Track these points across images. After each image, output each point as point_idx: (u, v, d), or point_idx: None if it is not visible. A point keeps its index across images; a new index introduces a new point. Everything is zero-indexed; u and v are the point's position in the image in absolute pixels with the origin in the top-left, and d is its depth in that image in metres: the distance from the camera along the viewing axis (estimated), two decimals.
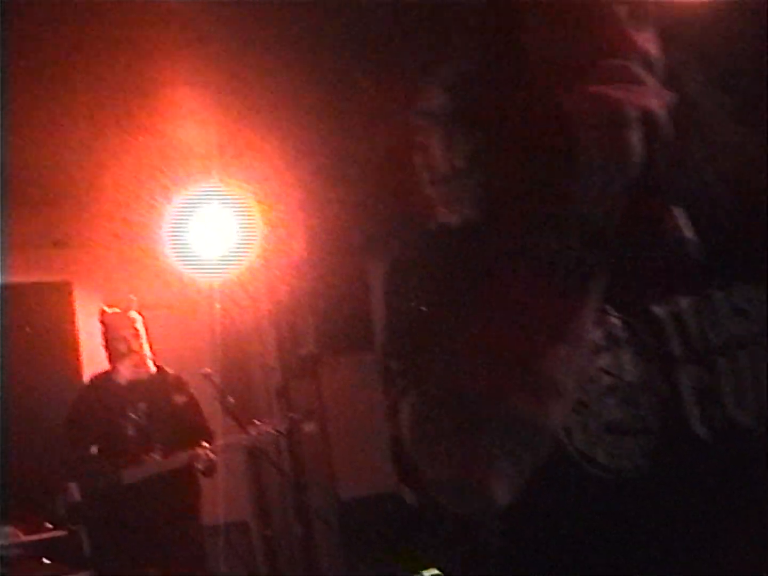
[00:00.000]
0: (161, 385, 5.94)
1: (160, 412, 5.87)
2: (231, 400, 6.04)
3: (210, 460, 5.72)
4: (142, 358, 5.91)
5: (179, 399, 5.91)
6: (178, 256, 6.18)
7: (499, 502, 1.42)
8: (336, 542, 7.52)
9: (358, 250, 7.80)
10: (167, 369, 6.05)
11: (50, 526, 5.94)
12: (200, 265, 6.21)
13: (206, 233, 6.12)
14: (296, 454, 7.39)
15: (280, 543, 7.32)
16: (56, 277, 6.99)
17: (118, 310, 5.90)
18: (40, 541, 5.85)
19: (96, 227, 6.13)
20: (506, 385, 1.36)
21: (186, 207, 6.13)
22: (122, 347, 5.84)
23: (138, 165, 5.76)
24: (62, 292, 6.99)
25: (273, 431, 5.98)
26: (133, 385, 5.91)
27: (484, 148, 1.56)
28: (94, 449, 5.86)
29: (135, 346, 5.86)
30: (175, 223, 6.11)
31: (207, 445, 5.72)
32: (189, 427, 5.90)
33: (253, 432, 5.88)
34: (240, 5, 4.77)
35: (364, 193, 6.53)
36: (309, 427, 7.65)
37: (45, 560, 5.75)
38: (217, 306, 6.56)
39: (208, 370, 6.10)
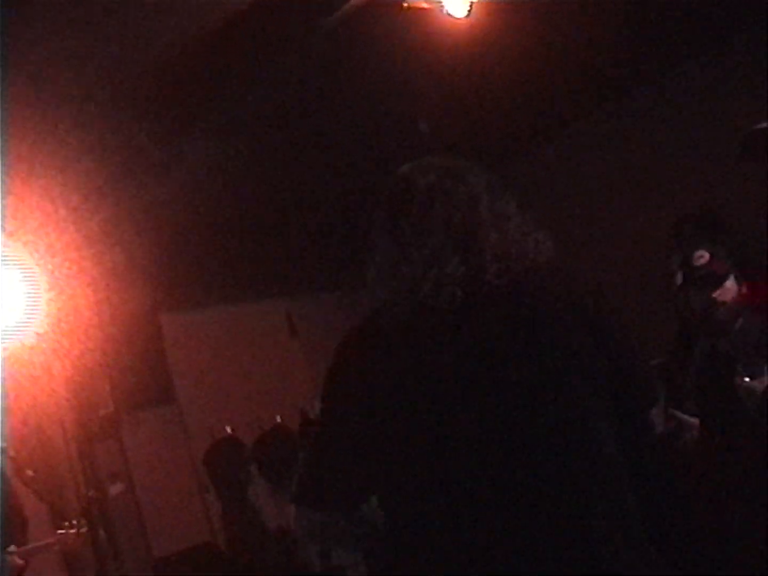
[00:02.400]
0: None
1: None
2: (29, 473, 5.99)
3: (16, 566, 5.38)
4: None
5: None
6: None
7: None
8: None
9: (148, 306, 8.02)
10: None
11: None
12: None
13: None
14: (105, 518, 7.47)
15: None
16: None
17: None
18: None
19: None
20: None
21: None
22: None
23: None
24: None
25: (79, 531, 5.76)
26: None
27: None
28: None
29: None
30: None
31: (13, 548, 5.39)
32: None
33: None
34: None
35: (149, 250, 6.77)
36: (116, 489, 7.75)
37: None
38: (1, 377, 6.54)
39: (3, 445, 5.95)
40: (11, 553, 5.38)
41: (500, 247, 2.48)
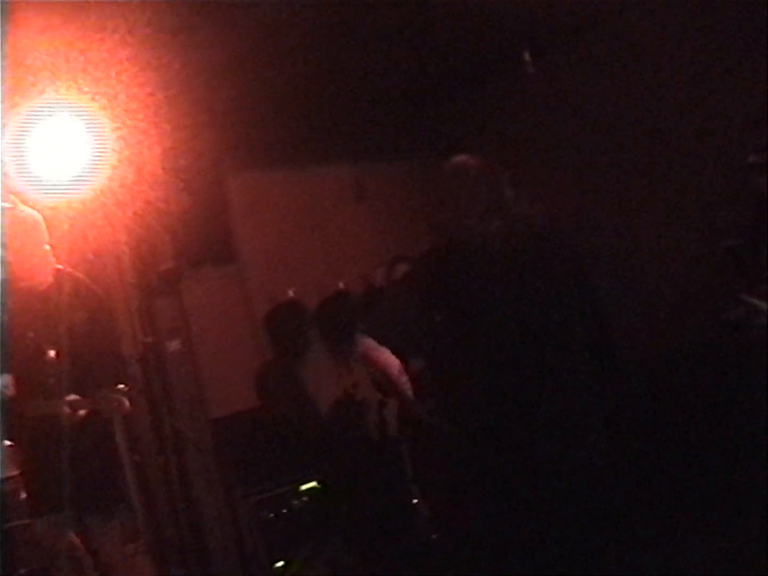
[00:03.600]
0: (60, 295, 5.52)
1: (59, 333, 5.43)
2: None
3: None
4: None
5: (79, 316, 5.51)
6: (21, 175, 6.17)
7: None
8: (208, 462, 7.79)
9: (213, 163, 8.01)
10: (70, 271, 5.67)
11: None
12: (46, 184, 6.23)
13: (55, 149, 6.10)
14: (162, 374, 7.59)
15: (151, 468, 7.56)
16: None
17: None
18: None
19: None
20: None
21: (30, 120, 5.93)
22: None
23: None
24: None
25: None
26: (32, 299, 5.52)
27: None
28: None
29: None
30: (19, 139, 6.05)
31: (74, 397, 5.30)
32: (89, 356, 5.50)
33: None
34: None
35: (216, 107, 6.72)
36: (174, 345, 7.86)
37: None
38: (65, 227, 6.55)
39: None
40: (71, 402, 5.34)
41: (516, 212, 4.38)
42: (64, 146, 6.09)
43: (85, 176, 6.21)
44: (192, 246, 8.03)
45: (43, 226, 5.61)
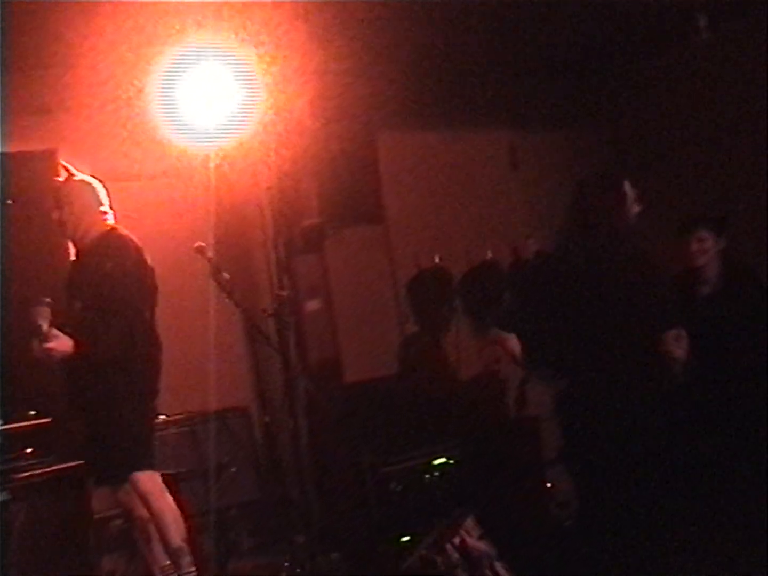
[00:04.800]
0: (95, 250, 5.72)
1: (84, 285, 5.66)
2: (226, 276, 5.90)
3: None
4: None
5: (107, 266, 5.57)
6: (170, 122, 6.19)
7: None
8: (339, 428, 7.71)
9: (364, 118, 7.88)
10: (118, 230, 5.80)
11: (33, 413, 6.10)
12: (194, 132, 6.23)
13: (203, 95, 6.10)
14: (298, 335, 7.52)
15: (280, 429, 7.50)
16: (42, 146, 7.03)
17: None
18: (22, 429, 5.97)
19: (83, 92, 6.18)
20: None
21: (180, 67, 6.01)
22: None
23: (127, 26, 5.75)
24: (48, 161, 7.03)
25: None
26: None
27: None
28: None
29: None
30: (169, 85, 6.08)
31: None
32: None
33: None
34: None
35: (368, 58, 6.58)
36: (312, 305, 7.78)
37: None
38: (212, 175, 6.55)
39: (202, 244, 5.92)
40: None
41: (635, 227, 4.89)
42: (211, 93, 6.12)
43: (232, 124, 6.21)
44: (338, 203, 7.91)
45: (100, 191, 5.82)
